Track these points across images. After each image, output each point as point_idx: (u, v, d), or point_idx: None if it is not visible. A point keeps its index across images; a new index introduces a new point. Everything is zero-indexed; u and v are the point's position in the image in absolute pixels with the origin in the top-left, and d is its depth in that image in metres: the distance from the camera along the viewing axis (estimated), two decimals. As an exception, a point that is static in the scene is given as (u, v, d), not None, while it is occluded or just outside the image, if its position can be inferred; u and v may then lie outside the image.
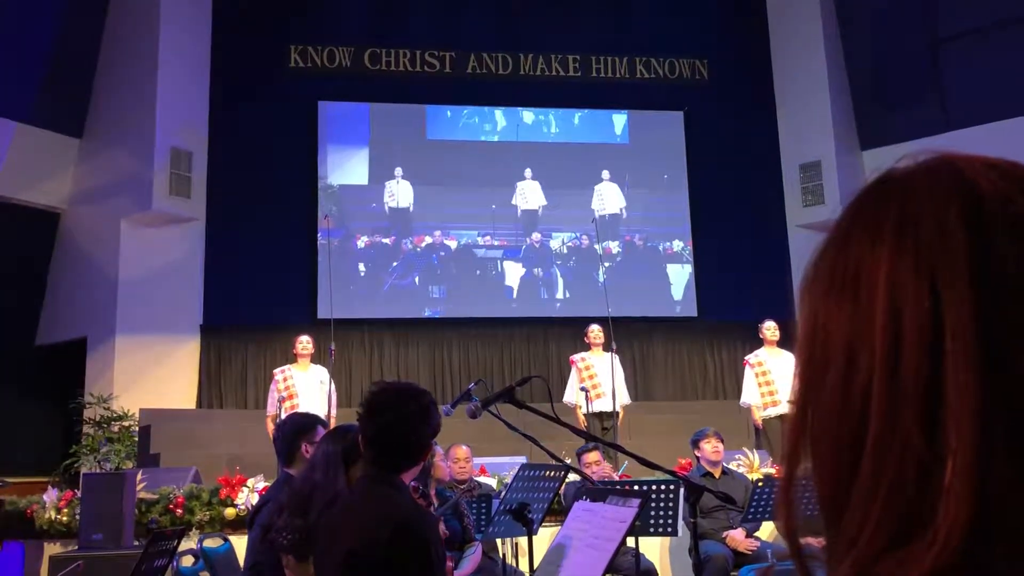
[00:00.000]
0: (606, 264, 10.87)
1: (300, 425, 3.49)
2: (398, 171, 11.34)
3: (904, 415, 0.50)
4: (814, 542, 0.55)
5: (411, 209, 11.35)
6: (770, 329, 7.95)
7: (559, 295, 11.45)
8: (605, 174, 11.71)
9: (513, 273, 11.42)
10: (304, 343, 8.07)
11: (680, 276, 11.69)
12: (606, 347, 8.35)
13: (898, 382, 0.50)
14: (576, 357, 8.53)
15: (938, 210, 0.52)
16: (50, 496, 6.61)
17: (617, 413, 8.04)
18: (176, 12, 10.68)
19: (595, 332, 8.46)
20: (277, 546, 2.82)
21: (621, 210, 11.71)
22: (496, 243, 11.46)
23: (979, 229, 0.51)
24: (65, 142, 10.64)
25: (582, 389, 8.17)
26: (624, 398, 8.31)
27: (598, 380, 8.20)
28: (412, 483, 2.64)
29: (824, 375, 0.54)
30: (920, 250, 0.51)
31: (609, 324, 8.95)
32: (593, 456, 5.96)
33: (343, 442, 2.94)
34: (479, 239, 11.43)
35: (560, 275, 11.49)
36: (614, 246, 11.53)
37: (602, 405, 8.11)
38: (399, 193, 11.34)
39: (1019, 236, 0.50)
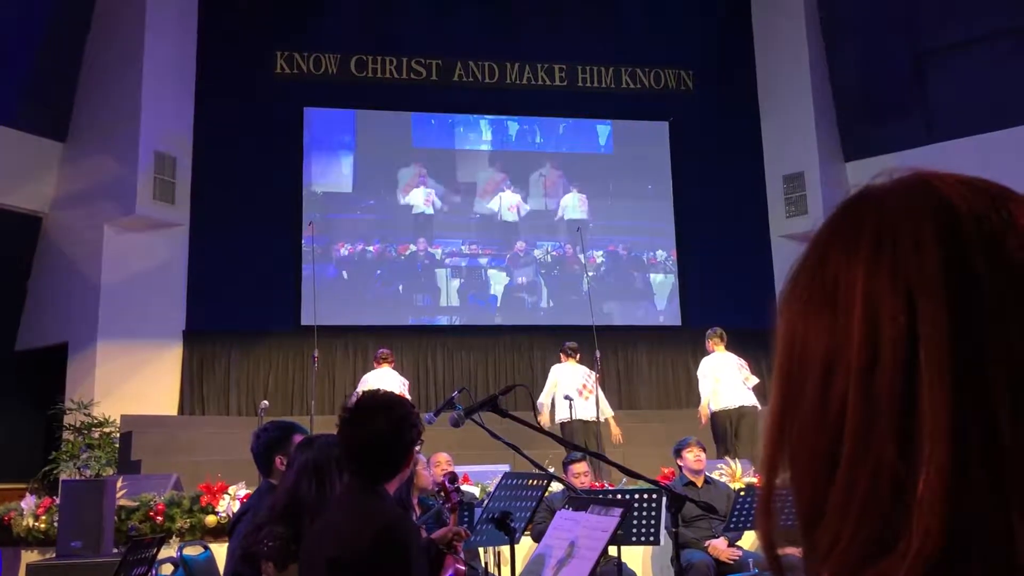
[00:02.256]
0: (590, 273, 10.90)
1: (274, 438, 3.45)
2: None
3: (879, 428, 0.51)
4: (794, 552, 0.56)
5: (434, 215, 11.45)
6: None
7: (543, 304, 11.46)
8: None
9: (497, 282, 11.42)
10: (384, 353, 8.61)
11: (664, 285, 11.73)
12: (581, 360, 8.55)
13: (873, 396, 0.51)
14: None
15: (914, 227, 0.53)
16: (28, 503, 6.54)
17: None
18: (162, 16, 10.64)
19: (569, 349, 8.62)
20: (258, 553, 2.79)
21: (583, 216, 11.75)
22: (481, 252, 11.46)
23: (954, 246, 0.52)
24: (48, 146, 10.57)
25: (566, 398, 8.20)
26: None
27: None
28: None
29: (802, 388, 0.55)
30: (896, 266, 0.52)
31: (593, 332, 8.97)
32: (581, 467, 5.96)
33: (327, 451, 2.92)
34: (463, 248, 11.43)
35: (544, 284, 11.50)
36: (598, 255, 11.55)
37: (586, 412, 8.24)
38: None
39: (992, 253, 0.51)
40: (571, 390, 8.23)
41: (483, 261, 11.45)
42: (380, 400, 2.53)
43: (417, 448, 2.70)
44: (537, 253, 11.55)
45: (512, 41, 11.82)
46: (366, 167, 11.36)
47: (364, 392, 2.68)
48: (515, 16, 11.86)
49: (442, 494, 3.38)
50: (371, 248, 11.20)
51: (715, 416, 8.22)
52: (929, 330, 0.50)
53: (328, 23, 11.41)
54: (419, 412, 2.62)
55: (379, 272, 11.17)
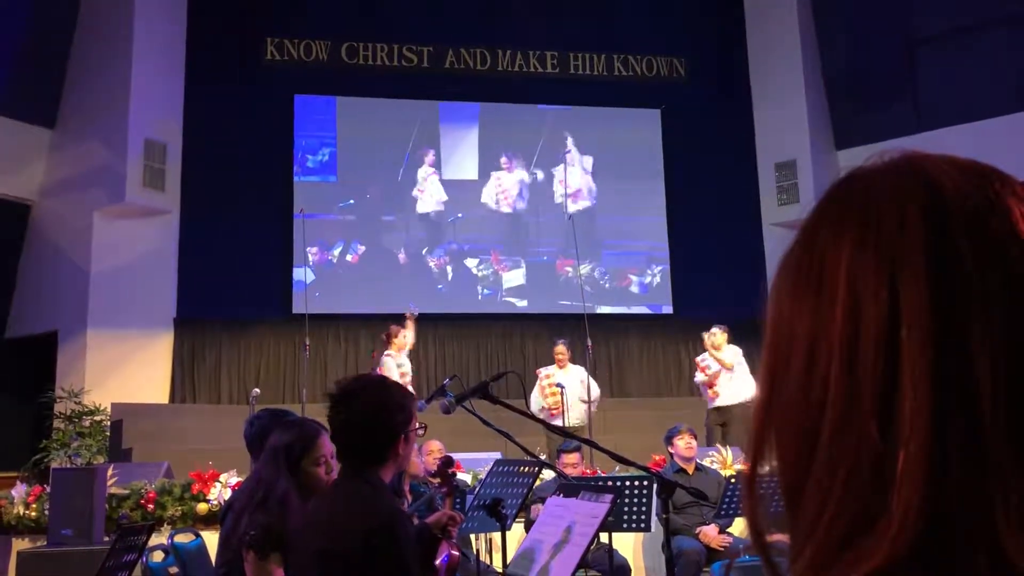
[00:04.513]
0: (582, 260, 10.88)
1: (268, 425, 3.44)
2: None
3: (860, 406, 0.51)
4: (782, 539, 0.56)
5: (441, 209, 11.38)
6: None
7: (535, 292, 11.43)
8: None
9: (489, 271, 11.40)
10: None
11: (655, 274, 11.73)
12: (573, 361, 8.39)
13: (855, 374, 0.51)
14: (541, 371, 8.46)
15: (900, 206, 0.53)
16: (19, 491, 6.52)
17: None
18: (151, 2, 10.56)
19: (560, 351, 8.37)
20: (242, 542, 2.78)
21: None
22: (471, 241, 11.43)
23: (939, 225, 0.52)
24: (37, 132, 10.49)
25: (558, 385, 8.13)
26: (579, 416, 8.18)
27: (558, 398, 8.10)
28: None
29: (787, 368, 0.55)
30: (881, 245, 0.53)
31: (584, 321, 8.97)
32: (572, 458, 5.97)
33: (287, 436, 2.88)
34: (454, 238, 11.39)
35: (535, 272, 11.48)
36: (589, 243, 11.49)
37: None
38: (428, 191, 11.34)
39: (977, 232, 0.52)
40: (569, 385, 8.12)
41: (474, 251, 11.40)
42: (361, 383, 2.46)
43: (420, 432, 2.63)
44: (528, 241, 11.53)
45: (504, 28, 11.78)
46: (356, 155, 11.31)
47: (351, 375, 2.62)
48: (507, 3, 11.81)
49: (438, 478, 3.37)
50: (361, 237, 11.17)
51: (712, 412, 8.19)
52: (911, 309, 0.51)
53: (319, 9, 11.34)
54: (413, 397, 2.51)
55: (370, 261, 11.14)
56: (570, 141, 11.85)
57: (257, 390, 8.55)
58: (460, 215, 11.43)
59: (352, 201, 11.22)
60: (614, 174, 11.78)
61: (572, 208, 11.47)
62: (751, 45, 12.30)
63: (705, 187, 11.66)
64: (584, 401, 8.12)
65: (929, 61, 11.22)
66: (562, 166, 11.78)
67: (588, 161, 11.84)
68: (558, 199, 11.67)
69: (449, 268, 11.32)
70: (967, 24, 10.87)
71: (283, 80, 11.16)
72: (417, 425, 2.51)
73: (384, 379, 2.54)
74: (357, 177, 11.27)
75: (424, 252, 11.29)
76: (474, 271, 11.36)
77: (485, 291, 11.35)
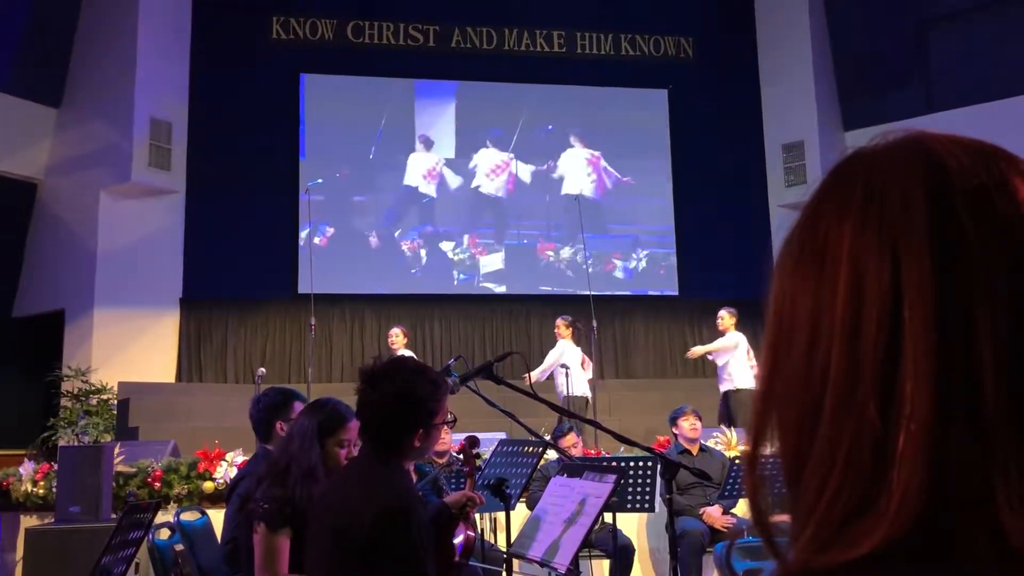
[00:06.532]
0: (563, 243, 10.84)
1: (275, 403, 3.45)
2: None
3: (861, 385, 0.51)
4: (784, 519, 0.56)
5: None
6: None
7: (541, 272, 11.40)
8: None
9: (495, 251, 11.37)
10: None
11: (661, 255, 11.69)
12: (576, 341, 8.47)
13: (857, 353, 0.51)
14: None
15: (903, 184, 0.53)
16: (27, 468, 6.56)
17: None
18: (156, -20, 10.52)
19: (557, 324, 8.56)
20: (253, 514, 2.81)
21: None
22: (477, 222, 11.39)
23: (942, 202, 0.52)
24: (43, 111, 10.49)
25: (563, 366, 8.18)
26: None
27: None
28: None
29: (789, 347, 0.55)
30: (883, 223, 0.52)
31: (591, 302, 8.96)
32: (569, 440, 5.97)
33: (319, 415, 2.92)
34: (459, 219, 11.34)
35: (541, 252, 11.45)
36: (594, 224, 11.46)
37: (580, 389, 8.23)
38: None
39: (980, 210, 0.51)
40: (572, 363, 8.22)
41: (449, 233, 11.31)
42: (394, 367, 2.40)
43: (450, 425, 2.60)
44: (535, 221, 11.49)
45: (511, 7, 11.70)
46: (361, 134, 11.27)
47: (390, 358, 2.56)
48: (514, -19, 11.73)
49: (462, 456, 3.37)
50: (368, 216, 11.14)
51: (730, 396, 8.19)
52: (913, 286, 0.50)
53: (324, -12, 11.28)
54: (444, 390, 2.43)
55: (376, 241, 11.12)
56: (572, 121, 11.77)
57: (263, 369, 8.57)
58: (434, 195, 11.35)
59: (320, 180, 11.00)
60: (621, 154, 11.72)
61: (572, 190, 11.41)
62: (759, 25, 12.20)
63: (712, 168, 11.61)
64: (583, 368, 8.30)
65: (940, 41, 11.12)
66: (559, 146, 11.70)
67: (590, 142, 11.77)
68: (547, 180, 11.58)
69: (423, 251, 11.19)
70: (978, 4, 10.76)
71: (289, 59, 11.12)
72: (448, 417, 2.47)
73: (418, 368, 2.46)
74: (364, 156, 11.21)
75: (397, 235, 11.18)
76: (450, 255, 11.25)
77: (461, 276, 11.27)
